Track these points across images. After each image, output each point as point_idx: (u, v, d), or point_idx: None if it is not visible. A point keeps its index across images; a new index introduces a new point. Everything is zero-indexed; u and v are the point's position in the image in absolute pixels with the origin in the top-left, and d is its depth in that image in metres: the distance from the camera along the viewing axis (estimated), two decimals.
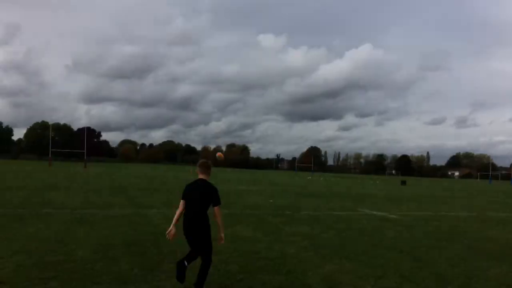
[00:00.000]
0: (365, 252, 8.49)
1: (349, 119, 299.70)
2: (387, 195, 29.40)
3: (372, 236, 10.64)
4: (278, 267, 6.95)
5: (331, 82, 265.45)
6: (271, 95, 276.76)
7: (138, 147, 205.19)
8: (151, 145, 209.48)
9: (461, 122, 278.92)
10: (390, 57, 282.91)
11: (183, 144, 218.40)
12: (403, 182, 55.75)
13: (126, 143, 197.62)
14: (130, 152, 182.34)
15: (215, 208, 5.55)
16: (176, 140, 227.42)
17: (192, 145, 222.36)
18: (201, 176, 5.76)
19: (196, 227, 5.45)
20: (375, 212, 16.65)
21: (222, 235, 5.69)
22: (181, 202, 5.64)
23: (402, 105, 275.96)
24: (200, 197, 5.52)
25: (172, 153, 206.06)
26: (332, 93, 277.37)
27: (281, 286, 5.90)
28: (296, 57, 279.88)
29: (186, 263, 5.61)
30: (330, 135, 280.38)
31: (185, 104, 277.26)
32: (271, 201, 20.00)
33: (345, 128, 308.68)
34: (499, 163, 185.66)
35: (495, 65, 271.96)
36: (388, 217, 15.13)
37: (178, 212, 5.63)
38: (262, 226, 11.57)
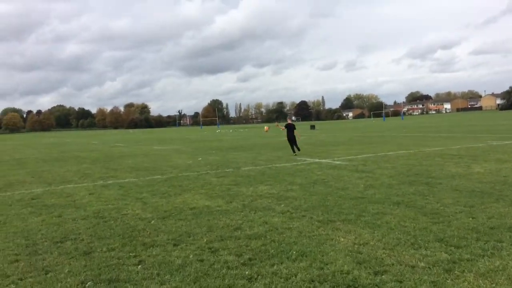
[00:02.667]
0: (360, 209, 7.08)
1: (247, 70, 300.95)
2: (309, 141, 28.91)
3: (344, 188, 9.33)
4: (284, 248, 5.22)
5: (228, 33, 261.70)
6: (168, 50, 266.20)
7: (24, 115, 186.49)
8: (39, 111, 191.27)
9: (350, 66, 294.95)
10: (283, 4, 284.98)
11: (76, 108, 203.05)
12: (312, 127, 56.69)
13: (10, 112, 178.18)
14: (16, 121, 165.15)
15: (295, 131, 18.45)
16: (68, 104, 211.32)
17: (86, 108, 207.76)
18: (289, 121, 19.27)
19: (293, 137, 18.24)
20: (317, 160, 15.57)
21: (299, 134, 19.63)
22: (285, 129, 18.60)
23: (296, 53, 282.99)
24: (292, 127, 18.41)
25: (65, 119, 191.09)
26: (230, 44, 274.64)
27: (313, 279, 4.21)
28: (191, 8, 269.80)
29: (294, 150, 18.11)
30: (230, 87, 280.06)
31: (75, 65, 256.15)
32: (200, 159, 18.06)
33: (244, 79, 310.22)
34: (384, 101, 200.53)
35: (378, 10, 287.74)
36: (336, 164, 14.09)
37: (285, 132, 18.71)
38: (214, 191, 9.71)
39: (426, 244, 5.10)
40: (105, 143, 39.90)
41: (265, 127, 25.78)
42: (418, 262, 4.52)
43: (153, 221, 6.96)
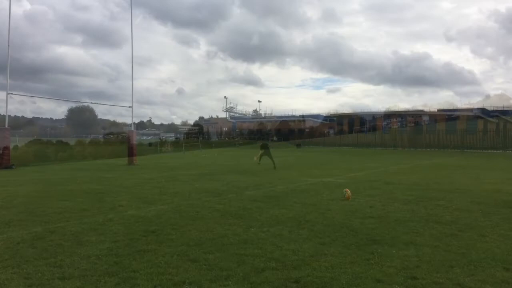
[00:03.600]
0: (388, 229, 6.82)
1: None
2: (307, 162, 28.77)
3: (360, 207, 9.08)
4: (333, 276, 4.88)
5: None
6: None
7: None
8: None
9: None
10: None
11: (54, 141, 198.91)
12: (298, 145, 56.83)
13: None
14: None
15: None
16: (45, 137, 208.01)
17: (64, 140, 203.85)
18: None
19: (270, 154, 23.08)
20: (319, 180, 15.34)
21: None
22: (261, 150, 23.34)
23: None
24: (268, 145, 23.97)
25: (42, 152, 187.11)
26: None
27: None
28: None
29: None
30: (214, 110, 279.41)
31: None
32: (197, 186, 17.53)
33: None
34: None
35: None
36: (340, 182, 13.89)
37: (260, 154, 23.46)
38: (226, 218, 9.28)
39: (482, 261, 4.85)
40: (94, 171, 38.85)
41: (255, 157, 25.61)
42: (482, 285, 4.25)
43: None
